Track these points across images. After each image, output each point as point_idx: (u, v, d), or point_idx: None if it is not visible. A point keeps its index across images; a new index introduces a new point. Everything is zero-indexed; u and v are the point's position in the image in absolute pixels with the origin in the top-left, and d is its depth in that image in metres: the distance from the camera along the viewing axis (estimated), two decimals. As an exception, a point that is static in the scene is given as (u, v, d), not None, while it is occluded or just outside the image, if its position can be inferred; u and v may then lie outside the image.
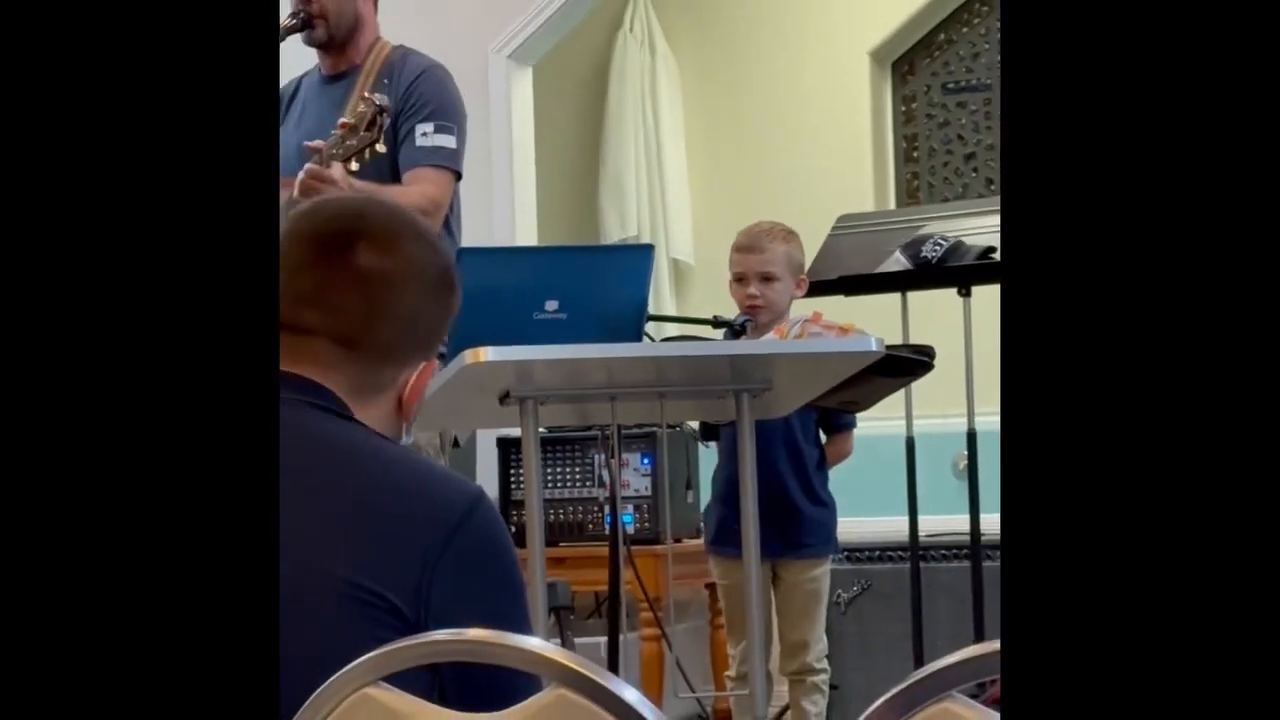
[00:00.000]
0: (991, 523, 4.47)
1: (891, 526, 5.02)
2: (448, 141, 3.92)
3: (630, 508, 5.13)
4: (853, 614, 5.18)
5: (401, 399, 1.86)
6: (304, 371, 1.79)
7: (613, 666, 3.73)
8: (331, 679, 1.45)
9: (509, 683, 1.54)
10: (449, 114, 3.97)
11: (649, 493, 5.16)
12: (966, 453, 4.37)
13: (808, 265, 4.34)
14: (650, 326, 3.57)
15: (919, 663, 4.40)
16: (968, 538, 4.48)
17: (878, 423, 4.60)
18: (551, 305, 3.20)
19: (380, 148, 3.69)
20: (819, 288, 4.34)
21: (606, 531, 4.75)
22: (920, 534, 4.57)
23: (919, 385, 4.18)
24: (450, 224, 3.97)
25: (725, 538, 4.18)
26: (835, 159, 7.14)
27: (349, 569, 1.67)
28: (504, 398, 2.99)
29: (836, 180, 6.98)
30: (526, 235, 5.88)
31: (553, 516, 5.14)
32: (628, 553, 3.99)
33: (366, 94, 3.71)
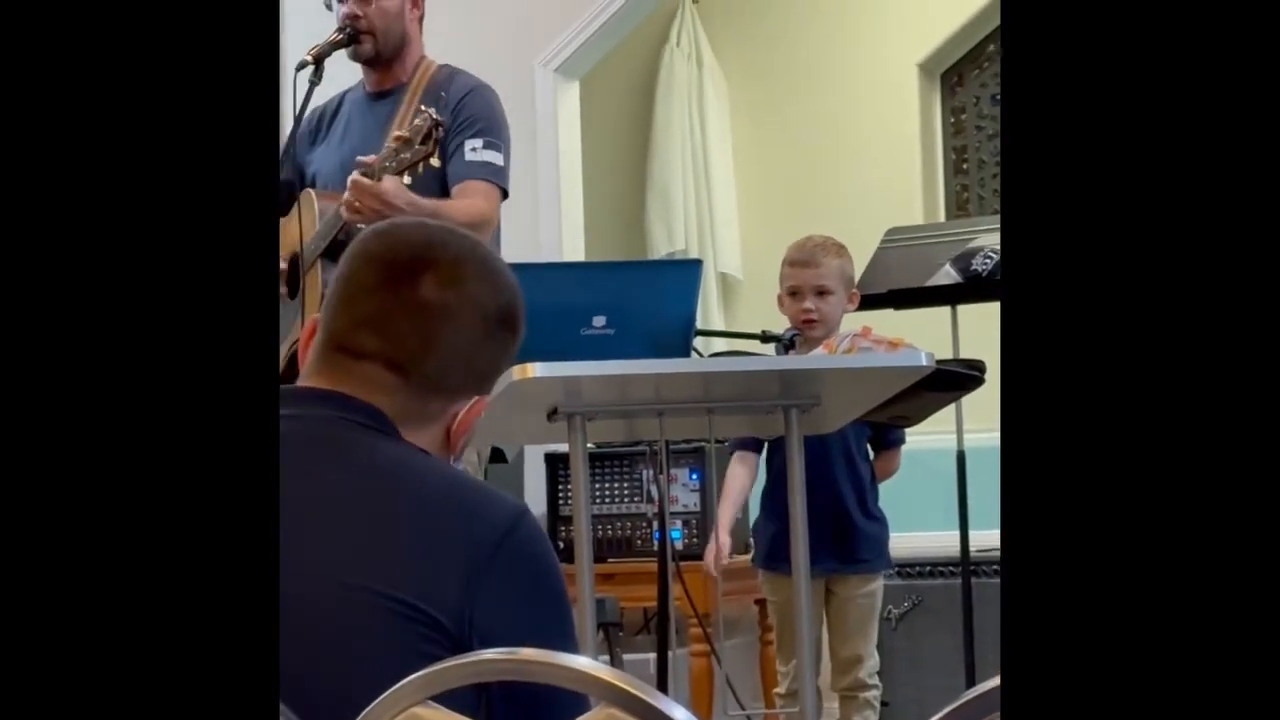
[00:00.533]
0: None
1: (942, 541, 4.99)
2: (495, 158, 3.93)
3: (679, 523, 5.12)
4: (904, 630, 5.15)
5: (449, 431, 1.86)
6: (354, 392, 1.80)
7: (662, 683, 3.71)
8: (379, 698, 1.44)
9: (556, 701, 1.53)
10: (496, 132, 3.98)
11: (698, 508, 5.14)
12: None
13: (857, 278, 4.33)
14: (698, 341, 3.55)
15: (970, 679, 4.37)
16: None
17: (929, 437, 4.57)
18: (599, 321, 3.19)
19: (435, 161, 3.70)
20: (868, 301, 4.32)
21: (655, 547, 4.74)
22: (971, 549, 4.54)
23: (970, 399, 4.15)
24: (492, 242, 3.98)
25: (776, 554, 4.16)
26: (884, 172, 7.11)
27: (394, 585, 1.67)
28: (552, 414, 2.98)
29: (885, 193, 6.96)
30: (574, 250, 5.88)
31: (601, 532, 5.14)
32: (676, 568, 3.98)
33: (422, 107, 3.71)
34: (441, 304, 1.82)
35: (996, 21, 7.28)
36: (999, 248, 4.33)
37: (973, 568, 4.59)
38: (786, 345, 3.97)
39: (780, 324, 4.20)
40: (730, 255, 7.29)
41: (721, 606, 4.47)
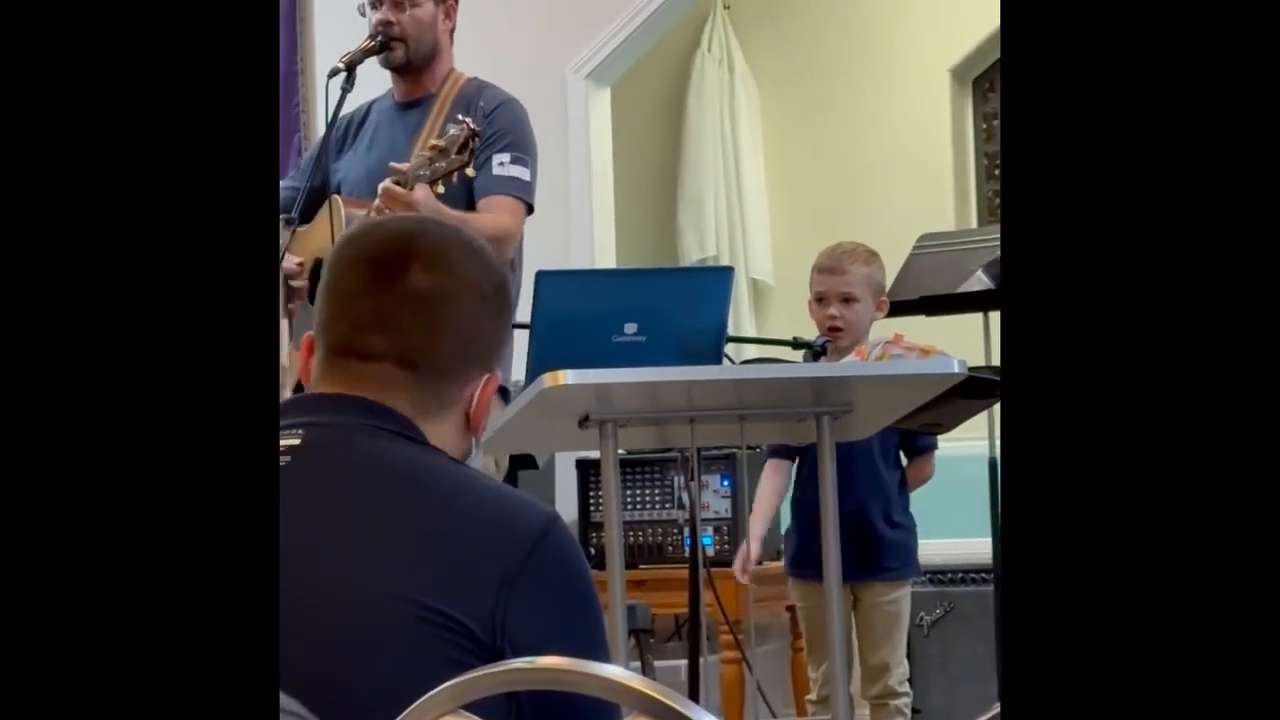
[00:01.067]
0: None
1: (974, 548, 4.98)
2: (523, 173, 3.93)
3: (710, 530, 5.11)
4: (935, 636, 5.14)
5: (468, 415, 1.86)
6: (367, 394, 1.80)
7: (693, 690, 3.71)
8: (410, 708, 1.44)
9: (587, 708, 1.53)
10: (525, 147, 3.98)
11: (729, 514, 5.14)
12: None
13: (889, 285, 4.31)
14: (730, 348, 3.55)
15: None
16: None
17: (960, 444, 4.56)
18: (631, 328, 3.18)
19: (470, 171, 3.70)
20: (900, 308, 4.31)
21: (686, 554, 4.73)
22: (1004, 556, 4.52)
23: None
24: (513, 257, 3.98)
25: (802, 561, 4.16)
26: (916, 177, 7.10)
27: (426, 592, 1.67)
28: (584, 421, 2.98)
29: (917, 199, 6.94)
30: (605, 257, 5.88)
31: (632, 539, 5.13)
32: (708, 575, 3.98)
33: (460, 117, 3.71)
34: (437, 289, 1.82)
35: (1029, 27, 7.26)
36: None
37: (1005, 575, 4.56)
38: (817, 352, 3.97)
39: (812, 330, 4.19)
40: (761, 261, 7.28)
41: (753, 613, 4.47)
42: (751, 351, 5.20)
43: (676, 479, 5.11)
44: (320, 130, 4.37)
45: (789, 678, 5.43)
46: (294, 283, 3.98)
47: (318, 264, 3.99)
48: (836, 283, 4.12)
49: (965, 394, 3.50)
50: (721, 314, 3.37)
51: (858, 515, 4.08)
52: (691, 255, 7.18)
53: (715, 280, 3.62)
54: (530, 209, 3.99)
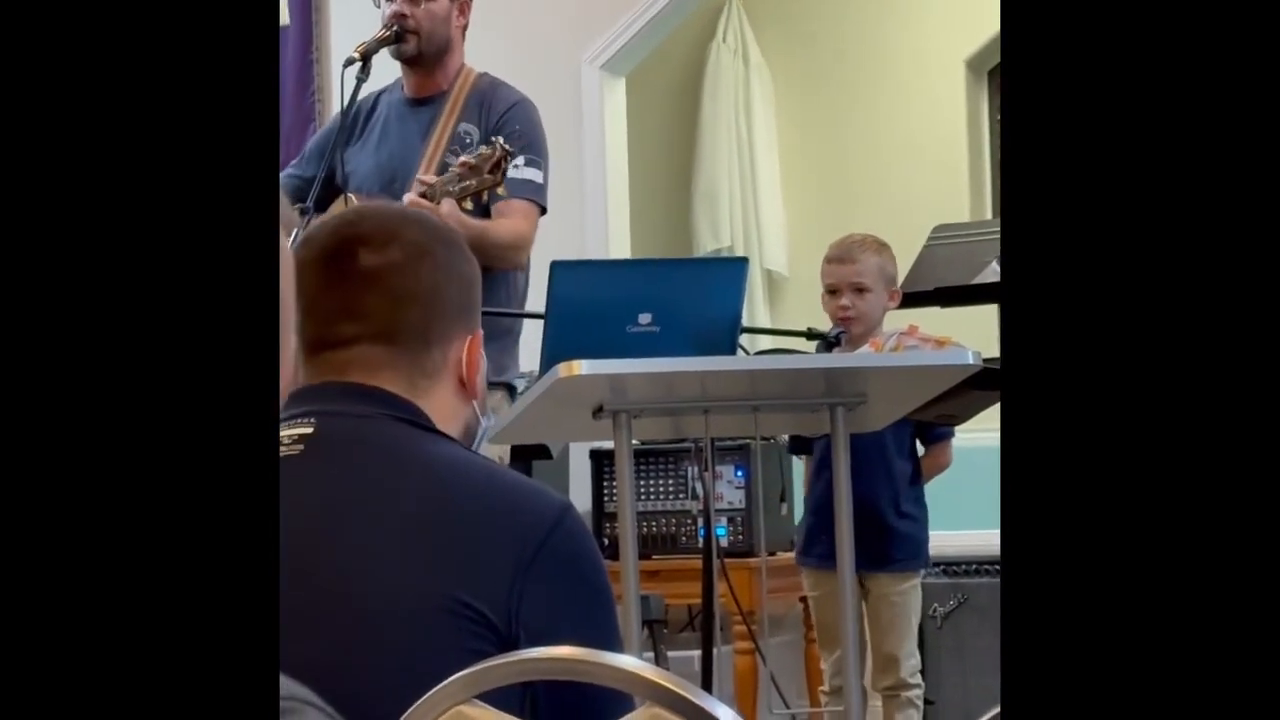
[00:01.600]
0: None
1: (988, 540, 4.97)
2: (536, 176, 3.93)
3: (724, 520, 5.11)
4: (949, 628, 5.13)
5: (461, 379, 1.87)
6: (355, 378, 1.81)
7: (706, 681, 3.71)
8: (424, 697, 1.45)
9: (601, 698, 1.53)
10: (538, 149, 3.98)
11: (743, 505, 5.14)
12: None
13: (903, 276, 4.31)
14: (744, 338, 3.55)
15: (1016, 678, 4.35)
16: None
17: (975, 435, 4.55)
18: (645, 318, 3.18)
19: (502, 191, 3.71)
20: (915, 299, 4.31)
21: (700, 544, 4.73)
22: (1017, 548, 4.51)
23: (1016, 397, 4.13)
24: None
25: (810, 548, 4.17)
26: (931, 168, 7.09)
27: (440, 582, 1.68)
28: (597, 411, 2.98)
29: (932, 190, 6.93)
30: (619, 247, 5.88)
31: (646, 529, 5.13)
32: (721, 566, 3.98)
33: (496, 139, 3.70)
34: (387, 263, 1.84)
35: (1044, 18, 7.24)
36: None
37: (1019, 566, 4.56)
38: (832, 343, 3.97)
39: (826, 321, 4.19)
40: (776, 252, 7.27)
41: (767, 604, 4.47)
42: (766, 342, 5.19)
43: (690, 469, 5.12)
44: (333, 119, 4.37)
45: (803, 668, 5.43)
46: None
47: None
48: (848, 273, 4.12)
49: (980, 385, 3.50)
50: (736, 304, 3.37)
51: (867, 505, 4.08)
52: (706, 246, 7.18)
53: (730, 271, 3.62)
54: (543, 210, 4.00)
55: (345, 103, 4.02)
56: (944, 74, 7.21)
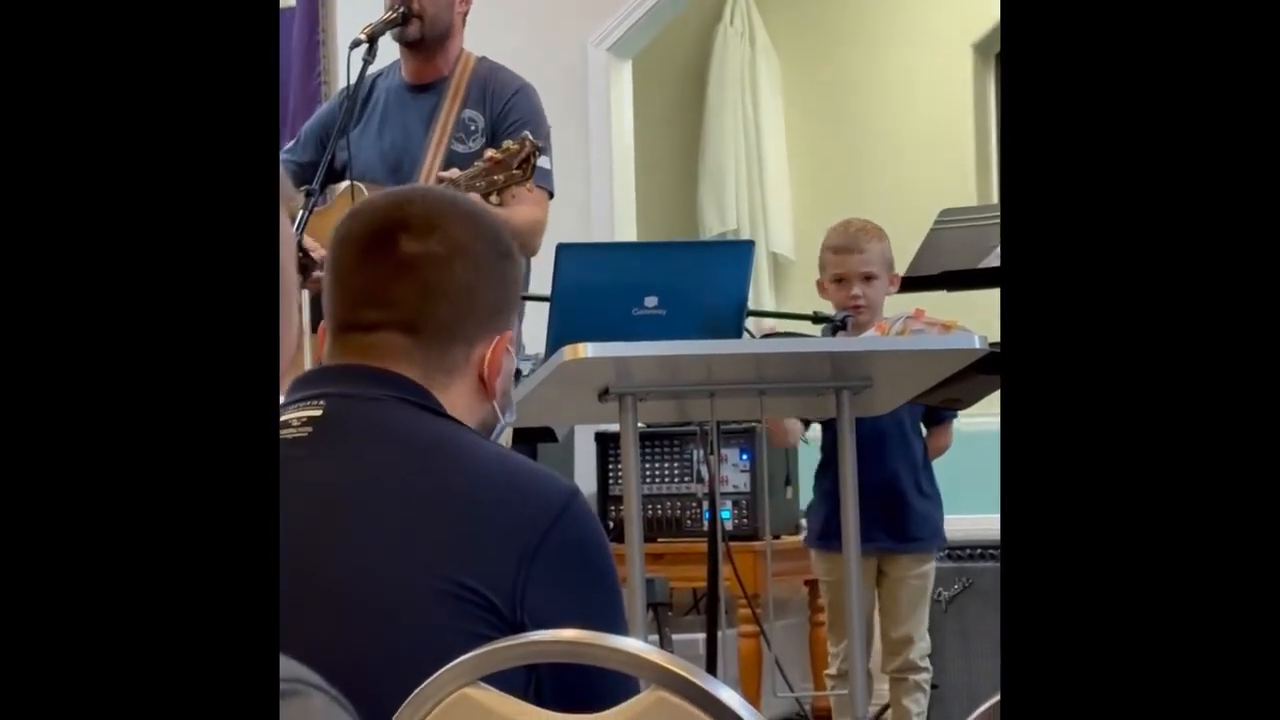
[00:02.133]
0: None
1: (993, 524, 4.97)
2: (544, 162, 3.93)
3: (729, 504, 5.11)
4: (954, 612, 5.13)
5: (482, 378, 1.86)
6: (376, 363, 1.80)
7: (711, 664, 3.71)
8: (430, 679, 1.45)
9: (605, 682, 1.53)
10: (543, 134, 3.98)
11: (748, 489, 5.14)
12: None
13: (909, 260, 4.31)
14: (749, 322, 3.55)
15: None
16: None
17: (980, 419, 4.55)
18: (651, 301, 3.18)
19: (529, 186, 3.69)
20: (921, 283, 4.30)
21: (705, 527, 4.74)
22: (1023, 532, 4.51)
23: (1022, 382, 4.12)
24: None
25: (829, 534, 4.16)
26: (937, 152, 7.08)
27: (446, 566, 1.67)
28: (603, 394, 2.98)
29: (939, 174, 6.92)
30: (626, 230, 5.88)
31: (651, 512, 5.14)
32: (726, 549, 3.98)
33: (526, 134, 3.69)
34: (425, 254, 1.82)
35: (1052, 1, 7.22)
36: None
37: (1024, 551, 4.55)
38: (838, 327, 3.96)
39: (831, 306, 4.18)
40: (782, 236, 7.27)
41: (771, 587, 4.47)
42: (771, 326, 5.19)
43: (695, 453, 5.12)
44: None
45: (807, 652, 5.43)
46: (316, 272, 3.99)
47: None
48: (856, 262, 4.11)
49: (986, 370, 3.50)
50: (742, 288, 3.37)
51: (889, 484, 4.08)
52: (712, 229, 7.17)
53: (736, 254, 3.62)
54: (551, 195, 4.00)
55: (351, 85, 4.01)
56: (951, 57, 7.20)
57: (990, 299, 4.38)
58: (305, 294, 4.02)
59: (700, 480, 5.11)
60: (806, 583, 5.32)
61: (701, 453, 4.99)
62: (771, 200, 7.27)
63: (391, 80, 4.17)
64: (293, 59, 5.81)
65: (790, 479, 5.23)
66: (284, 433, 1.74)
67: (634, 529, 3.00)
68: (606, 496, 5.24)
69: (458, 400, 1.83)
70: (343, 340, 1.84)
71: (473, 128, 4.01)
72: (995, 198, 7.13)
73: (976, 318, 3.78)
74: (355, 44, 3.96)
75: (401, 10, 4.01)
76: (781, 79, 7.39)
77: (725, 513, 5.04)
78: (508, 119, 3.94)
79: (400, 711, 1.45)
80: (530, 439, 4.26)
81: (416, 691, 1.45)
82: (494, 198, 3.66)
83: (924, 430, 4.30)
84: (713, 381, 3.07)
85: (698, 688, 1.35)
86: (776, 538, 4.98)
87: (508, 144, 3.66)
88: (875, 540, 3.93)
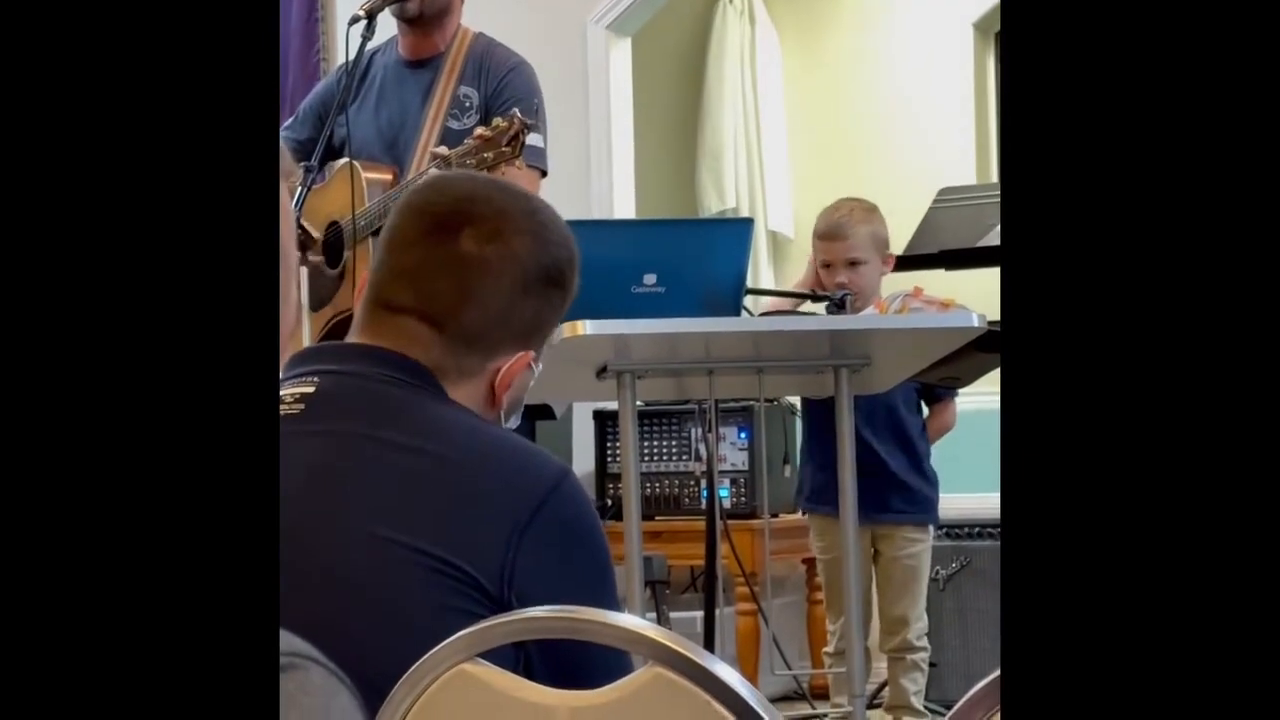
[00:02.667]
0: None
1: (991, 503, 4.98)
2: (537, 141, 3.92)
3: (727, 482, 5.12)
4: (951, 591, 5.14)
5: (494, 388, 1.85)
6: (392, 346, 1.80)
7: (708, 642, 3.72)
8: (427, 655, 1.45)
9: (594, 660, 1.53)
10: (533, 112, 3.97)
11: (746, 467, 5.14)
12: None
13: (908, 238, 4.30)
14: (748, 300, 3.54)
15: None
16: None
17: (978, 398, 4.55)
18: (650, 279, 3.18)
19: (520, 164, 3.68)
20: (919, 261, 4.30)
21: (703, 505, 4.74)
22: (1020, 511, 4.51)
23: (1020, 361, 4.12)
24: None
25: (818, 496, 4.16)
26: (937, 131, 7.07)
27: (434, 542, 1.67)
28: (601, 371, 2.98)
29: (938, 153, 6.91)
30: (624, 207, 5.87)
31: (649, 490, 5.14)
32: (724, 527, 3.98)
33: (516, 113, 3.68)
34: (479, 258, 1.81)
35: (1052, -20, 7.20)
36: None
37: (1022, 530, 4.55)
38: (837, 304, 3.96)
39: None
40: (781, 214, 7.26)
41: (769, 565, 4.48)
42: (770, 304, 5.19)
43: (694, 431, 5.12)
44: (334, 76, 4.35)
45: (804, 630, 5.44)
46: (311, 256, 3.99)
47: (334, 226, 3.99)
48: (841, 249, 4.10)
49: (984, 348, 3.50)
50: (741, 265, 3.36)
51: (874, 456, 4.08)
52: (711, 207, 7.16)
53: (735, 232, 3.62)
54: (544, 173, 3.99)
55: (350, 61, 4.00)
56: (951, 36, 7.18)
57: (989, 277, 4.39)
58: (304, 271, 4.02)
59: (698, 458, 5.11)
60: (804, 561, 5.32)
61: (700, 430, 4.99)
62: (770, 178, 7.26)
63: (388, 56, 4.16)
64: (292, 35, 5.80)
65: (788, 457, 5.23)
66: (277, 409, 1.74)
67: (632, 507, 3.00)
68: (605, 474, 5.24)
69: (462, 398, 1.82)
70: (370, 313, 1.84)
71: (468, 104, 4.00)
72: (994, 176, 7.13)
73: (975, 296, 3.78)
74: (354, 20, 3.95)
75: (400, -15, 4.00)
76: (781, 57, 7.38)
77: (723, 491, 5.04)
78: (501, 96, 3.93)
79: (397, 688, 1.46)
80: (528, 416, 4.25)
81: (414, 668, 1.45)
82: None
83: (924, 410, 4.30)
84: (711, 359, 3.07)
85: (696, 664, 1.35)
86: (774, 516, 4.99)
87: (497, 121, 3.65)
88: (862, 509, 3.93)
